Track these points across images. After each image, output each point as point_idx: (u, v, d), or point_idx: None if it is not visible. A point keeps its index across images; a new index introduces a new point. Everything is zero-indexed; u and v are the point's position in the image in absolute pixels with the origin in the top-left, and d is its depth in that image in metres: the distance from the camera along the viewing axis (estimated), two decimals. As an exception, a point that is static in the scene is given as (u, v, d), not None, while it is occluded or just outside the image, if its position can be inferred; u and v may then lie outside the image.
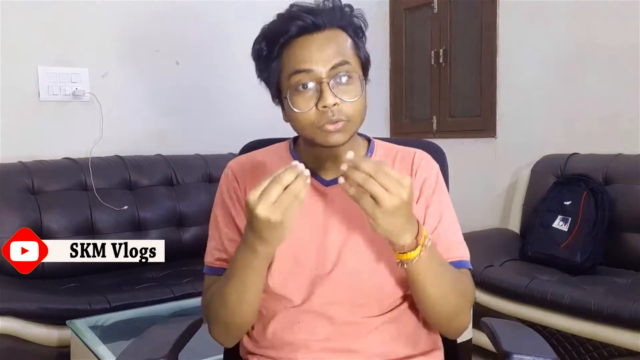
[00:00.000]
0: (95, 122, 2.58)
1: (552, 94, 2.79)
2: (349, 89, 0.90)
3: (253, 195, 0.77)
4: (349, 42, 0.93)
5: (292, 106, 0.90)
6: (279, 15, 0.93)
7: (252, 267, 0.86)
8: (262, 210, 0.77)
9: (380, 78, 3.54)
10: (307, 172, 0.78)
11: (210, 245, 1.02)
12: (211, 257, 1.01)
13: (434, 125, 3.32)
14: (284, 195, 0.77)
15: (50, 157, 2.43)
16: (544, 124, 2.82)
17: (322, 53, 0.89)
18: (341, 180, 0.79)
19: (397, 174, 0.77)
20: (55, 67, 2.51)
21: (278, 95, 0.95)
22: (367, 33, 0.98)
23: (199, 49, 2.89)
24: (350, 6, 0.95)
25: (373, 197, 0.77)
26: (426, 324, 1.01)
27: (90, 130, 2.56)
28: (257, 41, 0.94)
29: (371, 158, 0.99)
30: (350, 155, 0.78)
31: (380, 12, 3.52)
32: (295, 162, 0.78)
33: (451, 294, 0.91)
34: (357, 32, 0.95)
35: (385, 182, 0.76)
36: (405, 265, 0.85)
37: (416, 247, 0.83)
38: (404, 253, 0.84)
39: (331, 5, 0.93)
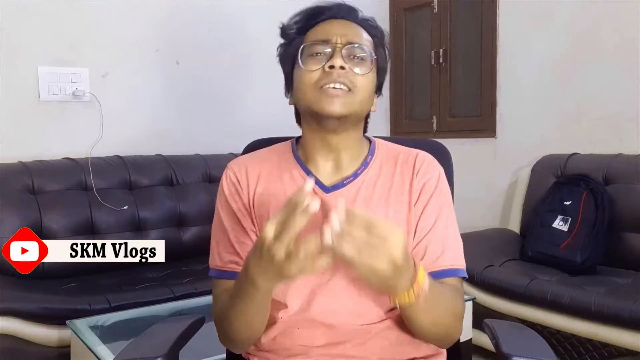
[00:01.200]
0: (95, 122, 2.58)
1: (552, 94, 2.79)
2: (360, 63, 0.93)
3: (269, 233, 0.71)
4: (372, 41, 0.98)
5: (301, 64, 0.93)
6: (320, 2, 0.99)
7: (251, 296, 0.82)
8: (277, 251, 0.71)
9: (380, 78, 3.53)
10: (317, 204, 0.70)
11: (218, 248, 0.98)
12: (220, 260, 0.98)
13: (434, 125, 3.32)
14: (301, 249, 0.71)
15: (50, 157, 2.43)
16: (544, 124, 2.82)
17: (343, 31, 0.94)
18: (327, 239, 0.70)
19: (386, 228, 0.71)
20: (55, 67, 2.51)
21: (290, 72, 0.98)
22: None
23: (199, 49, 2.89)
24: (381, 30, 1.02)
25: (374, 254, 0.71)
26: None
27: (90, 130, 2.56)
28: (292, 18, 1.00)
29: (370, 165, 0.99)
30: (335, 224, 0.70)
31: (380, 12, 3.51)
32: (309, 185, 0.71)
33: (443, 319, 0.89)
34: (382, 45, 1.01)
35: (374, 242, 0.71)
36: (398, 306, 0.81)
37: (410, 289, 0.78)
38: (397, 296, 0.79)
39: (368, 17, 1.00)
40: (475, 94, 3.13)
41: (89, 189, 2.39)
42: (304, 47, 0.94)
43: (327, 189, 0.97)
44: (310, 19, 0.97)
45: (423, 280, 0.79)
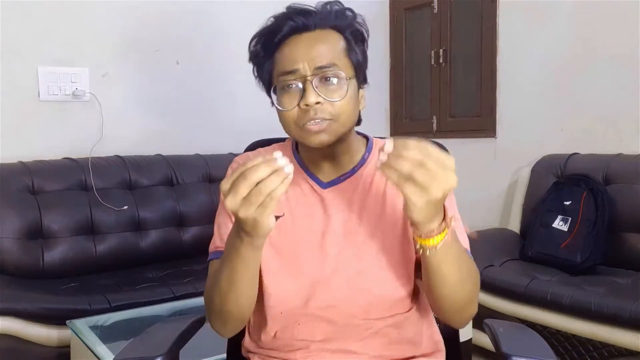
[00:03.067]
0: (95, 122, 2.58)
1: (552, 93, 2.79)
2: (334, 89, 0.90)
3: (224, 185, 0.73)
4: (340, 43, 0.93)
5: (277, 104, 0.92)
6: (274, 16, 0.94)
7: (239, 252, 0.83)
8: (231, 204, 0.72)
9: (380, 78, 3.54)
10: (290, 167, 0.71)
11: (220, 231, 0.99)
12: (220, 241, 0.98)
13: (434, 125, 3.32)
14: (254, 192, 0.71)
15: (50, 157, 2.43)
16: (544, 123, 2.82)
17: (308, 52, 0.90)
18: (383, 158, 0.71)
19: (443, 156, 0.71)
20: (55, 67, 2.51)
21: (270, 94, 0.97)
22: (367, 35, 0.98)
23: (199, 49, 2.89)
24: (351, 10, 0.96)
25: (420, 187, 0.71)
26: (429, 326, 1.00)
27: (90, 130, 2.56)
28: (253, 42, 0.96)
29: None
30: (389, 147, 0.71)
31: (380, 12, 3.52)
32: (277, 155, 0.72)
33: (467, 280, 0.88)
34: (355, 36, 0.96)
35: (433, 169, 0.70)
36: (428, 252, 0.80)
37: (444, 229, 0.79)
38: (429, 238, 0.79)
39: (328, 8, 0.94)
40: (475, 94, 3.13)
41: (89, 189, 2.39)
42: (277, 84, 0.92)
43: (324, 185, 0.98)
44: (271, 37, 0.93)
45: (450, 222, 0.79)
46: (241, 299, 0.90)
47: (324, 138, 0.90)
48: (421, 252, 0.81)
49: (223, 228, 0.98)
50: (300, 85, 0.89)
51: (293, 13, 0.92)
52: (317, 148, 0.92)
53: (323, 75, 0.89)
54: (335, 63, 0.90)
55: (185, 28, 2.85)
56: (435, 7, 3.26)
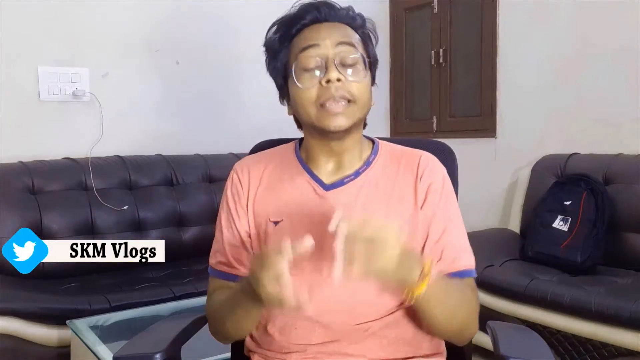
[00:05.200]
0: (95, 122, 2.58)
1: (552, 93, 2.79)
2: (354, 70, 0.92)
3: (267, 279, 0.78)
4: (357, 36, 0.96)
5: (296, 81, 0.91)
6: (296, 6, 0.96)
7: (245, 308, 0.88)
8: (268, 289, 0.77)
9: (380, 78, 3.50)
10: (310, 242, 0.77)
11: (214, 247, 1.02)
12: (213, 258, 1.01)
13: (434, 125, 3.32)
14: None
15: (50, 157, 2.43)
16: (544, 124, 2.82)
17: (329, 33, 0.92)
18: (337, 275, 0.76)
19: (379, 224, 0.76)
20: (55, 67, 2.51)
21: (283, 84, 0.97)
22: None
23: (199, 49, 2.89)
24: (362, 16, 0.99)
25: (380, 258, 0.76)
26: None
27: (90, 130, 2.56)
28: (272, 29, 0.97)
29: (372, 163, 1.00)
30: (332, 228, 0.76)
31: (381, 12, 3.51)
32: (309, 242, 0.77)
33: (458, 313, 0.90)
34: (369, 37, 0.99)
35: (380, 237, 0.75)
36: (414, 300, 0.83)
37: (424, 279, 0.81)
38: (413, 289, 0.82)
39: (346, 8, 0.98)
40: (475, 94, 3.13)
41: (89, 189, 2.39)
42: (296, 62, 0.92)
43: (326, 187, 0.97)
44: (291, 26, 0.94)
45: (429, 269, 0.82)
46: (244, 330, 0.98)
47: (342, 121, 0.90)
48: (408, 300, 0.84)
49: (216, 245, 1.03)
50: (321, 62, 0.90)
51: (321, 4, 0.95)
52: (330, 135, 0.92)
53: (345, 57, 0.91)
54: (355, 46, 0.93)
55: (185, 28, 2.85)
56: (435, 7, 3.26)
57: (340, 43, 0.91)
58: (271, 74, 0.99)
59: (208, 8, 2.90)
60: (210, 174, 2.69)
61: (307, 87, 0.90)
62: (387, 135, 3.54)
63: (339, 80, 0.89)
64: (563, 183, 2.48)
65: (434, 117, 3.33)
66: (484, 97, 3.07)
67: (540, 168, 2.69)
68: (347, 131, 0.92)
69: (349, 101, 0.90)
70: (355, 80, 0.90)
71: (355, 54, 0.92)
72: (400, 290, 0.84)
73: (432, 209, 0.95)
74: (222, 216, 1.02)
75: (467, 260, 0.96)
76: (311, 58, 0.90)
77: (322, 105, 0.90)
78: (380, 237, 0.75)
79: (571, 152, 2.62)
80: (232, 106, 2.97)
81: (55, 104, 2.53)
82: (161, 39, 2.78)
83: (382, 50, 3.55)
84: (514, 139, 2.95)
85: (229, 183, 1.04)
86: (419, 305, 0.85)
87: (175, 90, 2.84)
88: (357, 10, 1.00)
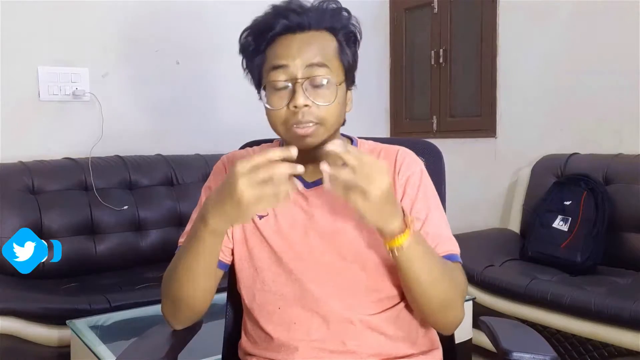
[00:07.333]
0: (95, 122, 2.57)
1: (552, 93, 2.79)
2: (323, 92, 0.90)
3: (242, 167, 0.75)
4: (333, 45, 0.94)
5: (265, 102, 0.93)
6: (267, 11, 0.94)
7: (198, 237, 0.85)
8: (244, 184, 0.75)
9: (380, 78, 3.54)
10: (301, 168, 0.77)
11: (186, 228, 1.00)
12: (182, 238, 1.00)
13: (434, 125, 3.32)
14: (268, 184, 0.75)
15: (50, 157, 2.43)
16: (544, 123, 2.82)
17: (300, 52, 0.90)
18: (327, 185, 0.77)
19: (374, 161, 0.77)
20: (55, 67, 2.51)
21: (259, 88, 0.97)
22: (367, 33, 0.99)
23: (199, 49, 2.89)
24: (347, 11, 0.96)
25: (360, 191, 0.76)
26: (424, 323, 1.01)
27: (90, 130, 2.56)
28: (244, 34, 0.97)
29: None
30: (331, 147, 0.77)
31: (381, 12, 3.51)
32: (294, 151, 0.77)
33: (441, 280, 0.89)
34: (348, 37, 0.96)
35: (368, 174, 0.76)
36: (396, 253, 0.84)
37: (405, 229, 0.83)
38: (394, 239, 0.83)
39: (324, 7, 0.94)
40: (475, 94, 3.13)
41: (89, 189, 2.39)
42: (267, 79, 0.92)
43: (308, 185, 0.99)
44: (262, 36, 0.93)
45: (412, 222, 0.84)
46: (197, 290, 0.92)
47: (309, 142, 0.91)
48: (390, 254, 0.85)
49: (189, 225, 1.00)
50: (290, 85, 0.90)
51: (288, 10, 0.92)
52: (302, 149, 0.92)
53: (313, 77, 0.89)
54: (326, 65, 0.91)
55: (185, 28, 2.85)
56: (435, 7, 3.26)
57: (311, 65, 0.89)
58: (250, 75, 1.00)
59: (208, 8, 2.90)
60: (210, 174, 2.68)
61: (275, 109, 0.91)
62: (387, 135, 3.54)
63: (306, 105, 0.89)
64: (563, 183, 2.48)
65: (434, 117, 3.33)
66: (484, 97, 3.07)
67: (540, 168, 2.69)
68: (316, 147, 0.92)
69: (317, 123, 0.90)
70: (324, 104, 0.90)
71: (327, 76, 0.90)
72: (380, 236, 0.85)
73: (411, 201, 0.96)
74: (203, 200, 1.00)
75: (450, 245, 0.96)
76: (279, 80, 0.90)
77: (289, 128, 0.91)
78: (370, 169, 0.76)
79: (571, 152, 2.62)
80: (232, 106, 2.96)
81: (55, 104, 2.53)
82: (161, 39, 2.78)
83: (382, 50, 3.56)
84: (514, 139, 2.95)
85: (214, 171, 1.06)
86: (401, 263, 0.86)
87: (175, 90, 2.84)
88: (356, 10, 0.98)
